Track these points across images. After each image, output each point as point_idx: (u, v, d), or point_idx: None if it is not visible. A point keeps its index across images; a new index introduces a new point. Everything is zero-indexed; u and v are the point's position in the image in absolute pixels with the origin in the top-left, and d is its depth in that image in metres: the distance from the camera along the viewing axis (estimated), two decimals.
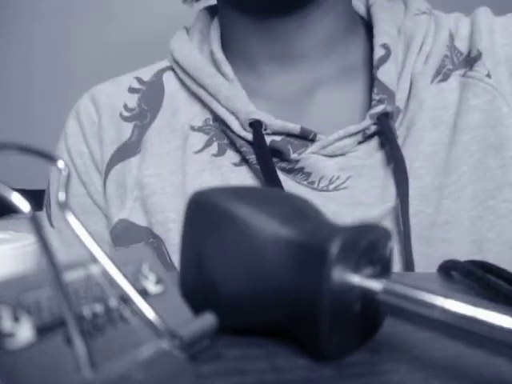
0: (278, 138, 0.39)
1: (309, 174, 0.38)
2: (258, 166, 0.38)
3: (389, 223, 0.36)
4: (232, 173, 0.40)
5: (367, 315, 0.18)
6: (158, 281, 0.19)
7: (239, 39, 0.42)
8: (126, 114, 0.44)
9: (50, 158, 0.18)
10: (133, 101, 0.45)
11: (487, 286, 0.26)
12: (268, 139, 0.39)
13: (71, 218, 0.18)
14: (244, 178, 0.40)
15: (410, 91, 0.39)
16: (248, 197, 0.20)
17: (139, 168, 0.42)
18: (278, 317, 0.19)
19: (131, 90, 0.46)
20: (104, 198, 0.44)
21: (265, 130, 0.39)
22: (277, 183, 0.37)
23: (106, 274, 0.17)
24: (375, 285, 0.18)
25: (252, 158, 0.39)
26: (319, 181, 0.38)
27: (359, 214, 0.36)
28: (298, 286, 0.17)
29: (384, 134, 0.37)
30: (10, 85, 1.19)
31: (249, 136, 0.39)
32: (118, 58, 1.18)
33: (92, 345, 0.15)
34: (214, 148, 0.41)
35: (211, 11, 0.46)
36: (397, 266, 0.35)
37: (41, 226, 0.15)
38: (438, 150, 0.37)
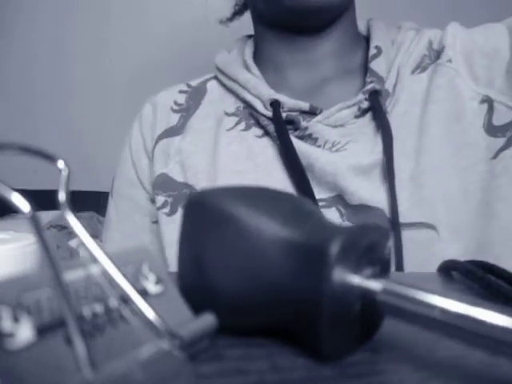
0: (292, 114, 0.50)
1: (316, 139, 0.49)
2: (275, 135, 0.50)
3: (378, 172, 0.46)
4: (255, 143, 0.52)
5: (367, 315, 0.18)
6: (158, 281, 0.19)
7: (269, 50, 0.56)
8: (175, 107, 0.59)
9: (50, 158, 0.18)
10: (181, 99, 0.59)
11: (487, 286, 0.26)
12: (284, 115, 0.50)
13: (71, 218, 0.18)
14: (265, 146, 0.51)
15: (396, 80, 0.51)
16: (247, 197, 0.20)
17: (180, 142, 0.56)
18: (278, 317, 0.19)
19: (181, 92, 0.60)
20: (148, 176, 0.57)
21: (282, 108, 0.50)
22: (289, 145, 0.48)
23: (105, 274, 0.17)
24: (375, 285, 0.18)
25: (272, 129, 0.50)
26: (324, 144, 0.49)
27: (353, 162, 0.47)
28: (297, 287, 0.17)
29: (374, 107, 0.49)
30: (10, 85, 1.19)
31: (270, 114, 0.51)
32: (118, 58, 1.18)
33: (92, 345, 0.15)
34: (242, 125, 0.54)
35: (248, 37, 0.62)
36: (384, 203, 0.45)
37: (41, 226, 0.15)
38: (416, 122, 0.48)
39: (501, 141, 0.46)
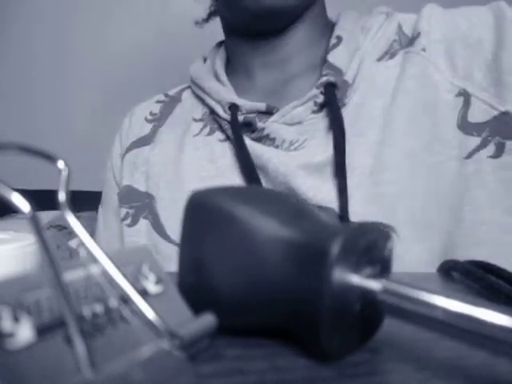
0: (250, 116, 0.51)
1: (274, 139, 0.49)
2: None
3: (329, 170, 0.45)
4: (217, 147, 0.53)
5: (367, 315, 0.18)
6: (158, 281, 0.19)
7: (239, 55, 0.57)
8: (149, 117, 0.61)
9: (50, 158, 0.18)
10: (157, 109, 0.62)
11: (487, 286, 0.26)
12: (242, 118, 0.51)
13: (71, 218, 0.18)
14: (225, 150, 0.52)
15: (358, 69, 0.49)
16: (247, 197, 0.20)
17: (149, 151, 0.58)
18: (278, 317, 0.19)
19: (157, 102, 0.63)
20: (118, 192, 0.59)
21: (240, 111, 0.51)
22: (243, 148, 0.48)
23: (105, 274, 0.17)
24: (375, 285, 0.18)
25: (231, 132, 0.51)
26: (282, 143, 0.48)
27: (304, 160, 0.46)
28: (297, 287, 0.17)
29: (329, 101, 0.47)
30: (9, 85, 1.19)
31: (229, 118, 0.51)
32: (119, 58, 1.18)
33: (92, 345, 0.15)
34: (207, 130, 0.55)
35: (221, 44, 0.63)
36: (335, 202, 0.43)
37: (41, 226, 0.15)
38: (381, 113, 0.46)
39: (475, 140, 0.42)
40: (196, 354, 0.17)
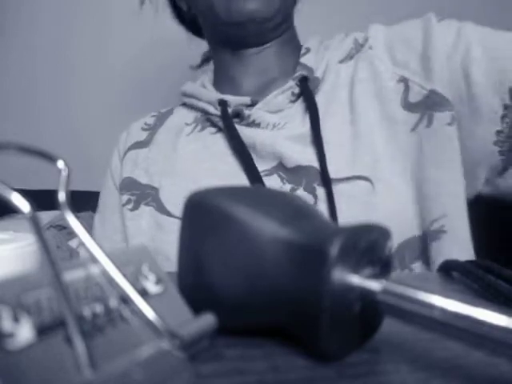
0: (238, 108, 0.59)
1: (259, 124, 0.58)
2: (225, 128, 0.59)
3: (309, 139, 0.54)
4: (210, 138, 0.61)
5: (367, 315, 0.18)
6: (158, 281, 0.19)
7: (224, 67, 0.66)
8: (145, 127, 0.70)
9: (50, 158, 0.18)
10: (151, 120, 0.71)
11: (487, 286, 0.26)
12: (231, 110, 0.59)
13: (71, 219, 0.18)
14: (218, 139, 0.60)
15: (325, 69, 0.60)
16: (246, 198, 0.20)
17: (147, 153, 0.65)
18: (278, 317, 0.19)
19: (152, 116, 0.72)
20: (120, 183, 0.66)
21: (229, 106, 0.60)
22: (234, 131, 0.57)
23: (105, 274, 0.17)
24: (375, 285, 0.18)
25: (222, 125, 0.59)
26: (267, 126, 0.58)
27: (287, 133, 0.55)
28: (297, 287, 0.17)
29: (303, 91, 0.58)
30: (9, 85, 1.19)
31: (219, 113, 0.60)
32: (120, 58, 1.18)
33: (92, 345, 0.15)
34: (199, 128, 0.64)
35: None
36: (316, 163, 0.52)
37: (41, 226, 0.15)
38: (344, 100, 0.57)
39: (416, 116, 0.53)
40: (196, 354, 0.17)
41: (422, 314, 0.16)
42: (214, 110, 0.61)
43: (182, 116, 0.67)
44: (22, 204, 0.15)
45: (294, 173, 0.53)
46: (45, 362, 0.14)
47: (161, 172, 0.61)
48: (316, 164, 0.52)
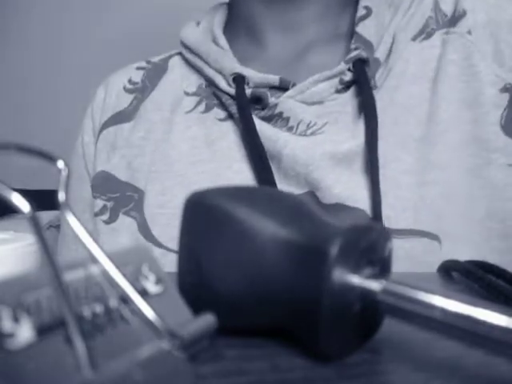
0: (260, 90, 0.42)
1: (287, 119, 0.40)
2: (238, 116, 0.41)
3: (360, 162, 0.38)
4: (215, 127, 0.44)
5: (367, 315, 0.18)
6: (158, 281, 0.19)
7: (245, 14, 0.47)
8: (129, 86, 0.50)
9: (50, 158, 0.18)
10: (138, 76, 0.51)
11: (487, 286, 0.26)
12: (249, 91, 0.42)
13: (71, 218, 0.18)
14: (226, 130, 0.43)
15: (391, 47, 0.42)
16: (246, 197, 0.20)
17: (131, 131, 0.47)
18: (278, 317, 0.19)
19: (138, 68, 0.52)
20: (93, 177, 0.48)
21: (247, 84, 0.42)
22: (251, 128, 0.40)
23: (105, 274, 0.17)
24: (375, 285, 0.18)
25: (234, 109, 0.42)
26: (297, 126, 0.40)
27: (329, 148, 0.38)
28: (297, 287, 0.17)
29: (359, 80, 0.40)
30: (9, 85, 1.19)
31: (233, 91, 0.42)
32: (112, 54, 1.19)
33: (92, 345, 0.15)
34: (202, 107, 0.45)
35: (221, 5, 0.53)
36: (366, 203, 0.36)
37: (41, 226, 0.15)
38: (420, 103, 0.39)
39: None
40: (196, 354, 0.17)
41: (422, 314, 0.16)
42: (226, 86, 0.43)
43: (181, 77, 0.49)
44: (22, 204, 0.15)
45: (331, 212, 0.36)
46: (45, 361, 0.14)
47: (148, 168, 0.44)
48: (367, 206, 0.36)
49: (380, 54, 0.41)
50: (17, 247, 0.25)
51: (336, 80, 0.41)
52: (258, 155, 0.39)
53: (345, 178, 0.37)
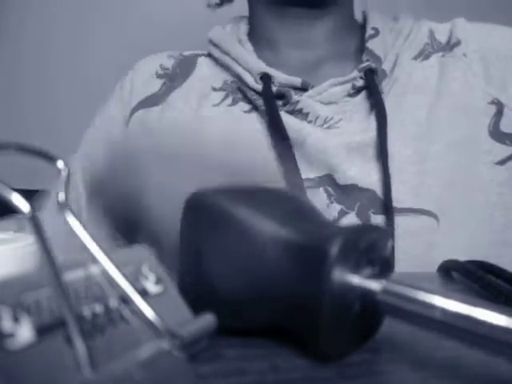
0: (284, 88, 0.48)
1: (307, 114, 0.47)
2: (263, 109, 0.47)
3: (372, 151, 0.44)
4: (241, 118, 0.49)
5: (367, 315, 0.18)
6: (158, 281, 0.19)
7: (264, 29, 0.54)
8: (160, 71, 0.55)
9: (50, 158, 0.18)
10: (169, 63, 0.56)
11: (487, 286, 0.26)
12: (275, 89, 0.48)
13: (71, 219, 0.18)
14: (252, 122, 0.48)
15: (395, 62, 0.49)
16: (247, 197, 0.20)
17: (159, 113, 0.51)
18: (278, 317, 0.19)
19: (169, 57, 0.57)
20: None
21: (272, 83, 0.48)
22: (278, 119, 0.45)
23: (105, 274, 0.17)
24: (375, 285, 0.18)
25: (260, 103, 0.48)
26: (316, 120, 0.47)
27: (346, 139, 0.44)
28: (297, 287, 0.17)
29: (369, 86, 0.47)
30: (9, 85, 1.19)
31: (259, 88, 0.48)
32: (112, 54, 1.19)
33: (92, 345, 0.15)
34: (229, 100, 0.51)
35: (241, 18, 0.60)
36: (376, 185, 0.42)
37: (41, 226, 0.15)
38: (421, 110, 0.46)
39: (509, 149, 0.45)
40: (196, 354, 0.17)
41: (422, 313, 0.16)
42: (253, 83, 0.49)
43: (209, 75, 0.54)
44: (21, 204, 0.15)
45: (346, 192, 0.42)
46: (45, 362, 0.14)
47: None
48: (377, 188, 0.42)
49: (386, 66, 0.48)
50: (17, 247, 0.25)
51: (349, 85, 0.47)
52: (283, 142, 0.44)
53: (358, 164, 0.43)
